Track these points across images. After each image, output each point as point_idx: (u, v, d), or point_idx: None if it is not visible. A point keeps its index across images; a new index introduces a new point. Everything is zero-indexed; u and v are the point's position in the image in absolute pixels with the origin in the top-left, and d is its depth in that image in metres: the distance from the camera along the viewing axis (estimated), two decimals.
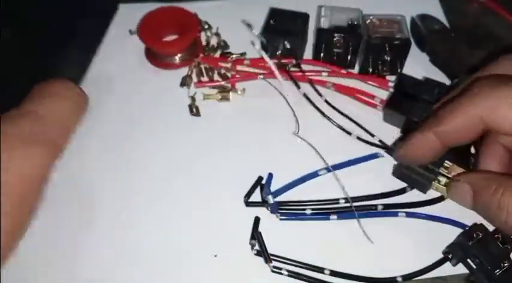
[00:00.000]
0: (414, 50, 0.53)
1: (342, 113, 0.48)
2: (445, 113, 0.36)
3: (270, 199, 0.41)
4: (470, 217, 0.39)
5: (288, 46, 0.52)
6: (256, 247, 0.40)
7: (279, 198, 0.42)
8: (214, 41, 0.57)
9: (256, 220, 0.42)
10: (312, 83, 0.50)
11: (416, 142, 0.38)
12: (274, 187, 0.43)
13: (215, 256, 0.40)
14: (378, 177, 0.44)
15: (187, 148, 0.48)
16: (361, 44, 0.51)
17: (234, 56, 0.54)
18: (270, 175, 0.44)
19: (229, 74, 0.52)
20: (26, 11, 0.57)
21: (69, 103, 0.43)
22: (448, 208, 0.41)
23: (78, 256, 0.40)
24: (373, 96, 0.49)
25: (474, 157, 0.40)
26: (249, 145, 0.47)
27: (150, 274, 0.40)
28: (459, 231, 0.40)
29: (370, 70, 0.52)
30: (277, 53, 0.52)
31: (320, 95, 0.50)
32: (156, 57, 0.54)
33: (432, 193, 0.42)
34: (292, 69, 0.51)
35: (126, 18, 0.57)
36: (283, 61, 0.51)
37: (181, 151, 0.47)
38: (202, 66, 0.54)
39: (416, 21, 0.55)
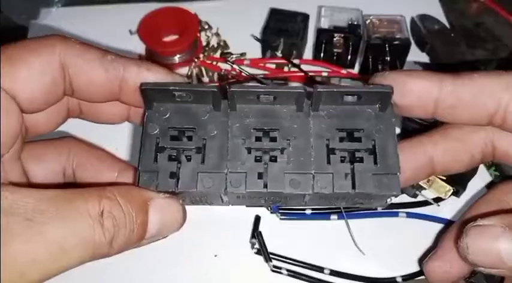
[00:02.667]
0: (414, 50, 0.53)
1: None
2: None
3: None
4: None
5: (287, 46, 0.52)
6: (257, 246, 0.40)
7: None
8: (214, 41, 0.57)
9: (257, 220, 0.42)
10: (313, 79, 0.50)
11: None
12: None
13: (215, 256, 0.40)
14: None
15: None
16: (361, 44, 0.51)
17: (234, 56, 0.54)
18: None
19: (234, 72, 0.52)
20: None
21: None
22: (448, 208, 0.41)
23: None
24: None
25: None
26: None
27: (150, 273, 0.40)
28: None
29: (370, 70, 0.52)
30: (277, 53, 0.52)
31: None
32: (156, 57, 0.54)
33: (432, 194, 0.42)
34: (292, 69, 0.51)
35: (126, 18, 0.57)
36: (282, 61, 0.51)
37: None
38: (202, 67, 0.54)
39: (416, 21, 0.55)
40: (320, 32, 0.51)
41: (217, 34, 0.57)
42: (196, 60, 0.54)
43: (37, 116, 0.27)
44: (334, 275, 0.39)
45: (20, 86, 0.24)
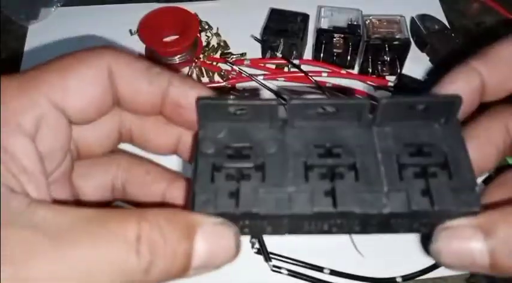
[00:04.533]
0: (414, 50, 0.53)
1: None
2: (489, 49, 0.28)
3: None
4: None
5: (287, 46, 0.52)
6: (257, 245, 0.40)
7: None
8: (214, 41, 0.57)
9: None
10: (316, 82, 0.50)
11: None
12: None
13: None
14: None
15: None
16: (361, 44, 0.51)
17: (234, 56, 0.54)
18: None
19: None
20: None
21: None
22: None
23: None
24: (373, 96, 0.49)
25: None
26: None
27: None
28: None
29: (370, 70, 0.52)
30: (277, 53, 0.52)
31: (323, 91, 0.50)
32: (156, 57, 0.54)
33: None
34: (292, 69, 0.51)
35: (126, 18, 0.57)
36: (282, 61, 0.51)
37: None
38: (202, 67, 0.54)
39: (416, 21, 0.55)
40: (320, 32, 0.51)
41: (217, 34, 0.57)
42: (196, 60, 0.54)
43: (89, 139, 0.26)
44: (334, 275, 0.39)
45: (69, 97, 0.23)
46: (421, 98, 0.24)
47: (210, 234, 0.22)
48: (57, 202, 0.23)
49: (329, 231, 0.25)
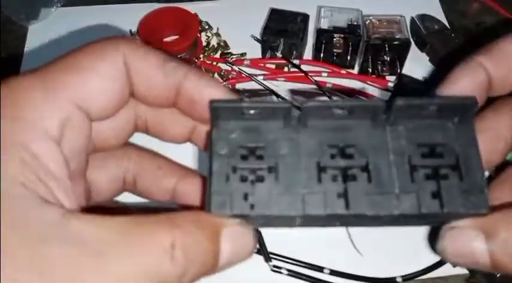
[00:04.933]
0: (414, 50, 0.53)
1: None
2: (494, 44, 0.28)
3: None
4: None
5: (287, 46, 0.52)
6: (257, 245, 0.40)
7: None
8: (214, 41, 0.57)
9: None
10: (317, 83, 0.50)
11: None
12: None
13: None
14: None
15: (187, 148, 0.47)
16: (360, 44, 0.51)
17: (234, 56, 0.54)
18: None
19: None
20: None
21: None
22: None
23: None
24: (373, 96, 0.49)
25: None
26: None
27: None
28: None
29: (370, 70, 0.52)
30: (277, 53, 0.52)
31: (323, 91, 0.50)
32: None
33: None
34: (292, 69, 0.51)
35: (126, 18, 0.57)
36: (282, 61, 0.51)
37: (182, 149, 0.47)
38: (202, 67, 0.54)
39: (416, 21, 0.55)
40: (320, 32, 0.51)
41: (217, 34, 0.57)
42: (196, 60, 0.54)
43: (106, 132, 0.26)
44: (334, 275, 0.39)
45: (91, 97, 0.23)
46: (435, 99, 0.24)
47: (233, 236, 0.23)
48: (84, 209, 0.23)
49: (339, 225, 0.26)
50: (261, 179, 0.24)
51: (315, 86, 0.50)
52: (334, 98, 0.49)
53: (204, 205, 0.23)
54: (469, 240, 0.23)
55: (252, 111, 0.24)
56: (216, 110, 0.24)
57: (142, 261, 0.20)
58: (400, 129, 0.25)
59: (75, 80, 0.22)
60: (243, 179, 0.24)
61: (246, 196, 0.23)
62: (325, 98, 0.49)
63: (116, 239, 0.20)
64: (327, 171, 0.24)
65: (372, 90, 0.51)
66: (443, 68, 0.53)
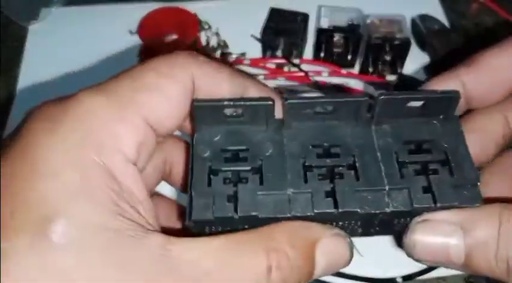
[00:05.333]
0: (414, 50, 0.53)
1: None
2: (479, 57, 0.27)
3: None
4: None
5: (287, 46, 0.52)
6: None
7: None
8: (214, 41, 0.57)
9: None
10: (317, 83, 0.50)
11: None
12: None
13: None
14: None
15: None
16: (361, 43, 0.51)
17: (234, 56, 0.54)
18: None
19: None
20: None
21: None
22: None
23: None
24: (373, 97, 0.49)
25: None
26: None
27: None
28: None
29: (370, 70, 0.52)
30: (277, 53, 0.52)
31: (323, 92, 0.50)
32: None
33: None
34: (292, 69, 0.51)
35: (126, 18, 0.57)
36: (282, 61, 0.51)
37: None
38: None
39: (417, 21, 0.55)
40: (320, 31, 0.51)
41: (217, 34, 0.57)
42: None
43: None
44: (334, 275, 0.39)
45: (158, 114, 0.22)
46: (418, 93, 0.24)
47: (329, 248, 0.22)
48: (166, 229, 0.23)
49: None
50: (244, 181, 0.23)
51: (312, 85, 0.50)
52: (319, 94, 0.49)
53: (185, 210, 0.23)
54: (444, 235, 0.22)
55: (234, 112, 0.24)
56: (199, 110, 0.23)
57: None
58: (385, 127, 0.25)
59: (146, 99, 0.22)
60: (226, 181, 0.23)
61: (229, 199, 0.22)
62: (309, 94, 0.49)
63: (214, 266, 0.20)
64: (313, 170, 0.23)
65: (372, 88, 0.51)
66: (443, 67, 0.52)
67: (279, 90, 0.49)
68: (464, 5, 0.61)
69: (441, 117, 0.25)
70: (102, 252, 0.18)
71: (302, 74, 0.51)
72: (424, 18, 0.55)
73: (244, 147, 0.24)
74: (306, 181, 0.23)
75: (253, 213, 0.22)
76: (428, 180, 0.23)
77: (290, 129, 0.24)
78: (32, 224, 0.18)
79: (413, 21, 0.55)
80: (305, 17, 0.53)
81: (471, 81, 0.27)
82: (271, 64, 0.52)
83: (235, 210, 0.22)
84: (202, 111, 0.23)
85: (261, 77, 0.51)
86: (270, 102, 0.23)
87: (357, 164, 0.23)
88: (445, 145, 0.24)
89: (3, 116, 0.50)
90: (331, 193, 0.23)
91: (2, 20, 0.58)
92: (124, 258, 0.18)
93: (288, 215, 0.22)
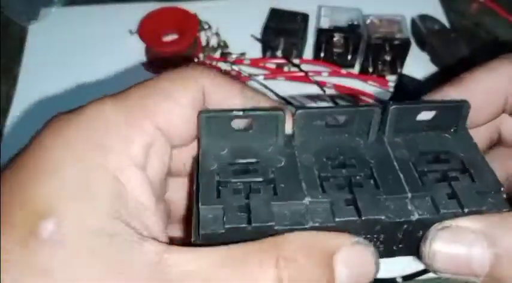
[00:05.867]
0: (414, 50, 0.53)
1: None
2: (467, 76, 0.26)
3: None
4: None
5: (287, 46, 0.52)
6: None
7: None
8: (214, 41, 0.57)
9: None
10: (318, 83, 0.50)
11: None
12: None
13: None
14: None
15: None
16: (361, 43, 0.51)
17: (234, 56, 0.54)
18: None
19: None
20: None
21: None
22: None
23: None
24: (373, 96, 0.49)
25: None
26: None
27: None
28: None
29: (370, 70, 0.52)
30: (277, 53, 0.52)
31: (324, 91, 0.50)
32: (156, 57, 0.54)
33: None
34: (292, 69, 0.51)
35: (126, 18, 0.57)
36: (282, 61, 0.51)
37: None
38: None
39: (417, 21, 0.55)
40: (320, 31, 0.51)
41: (217, 34, 0.57)
42: (196, 60, 0.54)
43: (183, 158, 0.25)
44: None
45: (172, 122, 0.22)
46: (429, 103, 0.24)
47: (350, 257, 0.20)
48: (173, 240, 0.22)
49: None
50: (257, 191, 0.21)
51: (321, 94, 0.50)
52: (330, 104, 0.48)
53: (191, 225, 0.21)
54: (468, 244, 0.20)
55: (242, 123, 0.23)
56: (206, 121, 0.22)
57: None
58: (398, 141, 0.24)
59: (157, 105, 0.22)
60: (237, 192, 0.21)
61: (241, 209, 0.20)
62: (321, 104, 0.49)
63: (217, 276, 0.18)
64: (330, 180, 0.22)
65: (372, 89, 0.51)
66: (443, 67, 0.53)
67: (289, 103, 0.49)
68: (464, 5, 0.61)
69: (452, 130, 0.24)
70: (91, 253, 0.18)
71: (302, 74, 0.50)
72: (424, 18, 0.55)
73: (254, 160, 0.23)
74: (323, 190, 0.21)
75: (269, 224, 0.20)
76: (451, 186, 0.22)
77: (301, 142, 0.23)
78: (25, 220, 0.18)
79: (413, 21, 0.55)
80: (305, 17, 0.53)
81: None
82: (271, 64, 0.52)
83: (249, 221, 0.20)
84: (209, 122, 0.22)
85: (260, 77, 0.51)
86: (281, 113, 0.22)
87: (375, 174, 0.22)
88: (461, 155, 0.23)
89: (3, 115, 0.50)
90: (352, 202, 0.21)
91: (2, 20, 0.58)
92: (113, 261, 0.18)
93: (307, 226, 0.20)
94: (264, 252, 0.19)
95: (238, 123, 0.23)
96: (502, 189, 0.22)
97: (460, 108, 0.24)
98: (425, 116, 0.24)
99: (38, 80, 0.53)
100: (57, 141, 0.20)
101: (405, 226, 0.21)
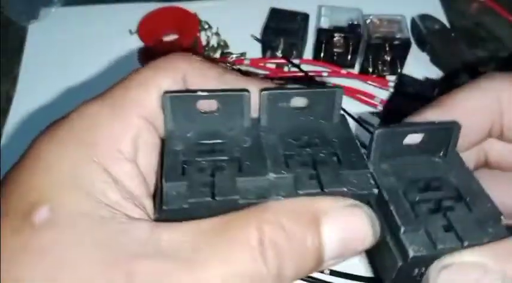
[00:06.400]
0: (414, 50, 0.53)
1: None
2: (449, 99, 0.25)
3: None
4: None
5: (287, 46, 0.52)
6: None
7: None
8: (214, 41, 0.57)
9: None
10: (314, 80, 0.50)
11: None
12: None
13: None
14: None
15: None
16: (361, 43, 0.51)
17: (234, 55, 0.54)
18: None
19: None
20: None
21: None
22: None
23: None
24: (373, 96, 0.49)
25: None
26: None
27: None
28: None
29: (370, 70, 0.52)
30: (277, 53, 0.52)
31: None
32: (156, 57, 0.54)
33: None
34: (292, 69, 0.51)
35: (126, 18, 0.57)
36: (282, 61, 0.51)
37: None
38: None
39: (417, 21, 0.55)
40: (320, 31, 0.51)
41: (217, 34, 0.57)
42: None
43: None
44: (334, 275, 0.39)
45: (155, 109, 0.22)
46: (416, 125, 0.23)
47: (339, 220, 0.19)
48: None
49: None
50: (221, 168, 0.21)
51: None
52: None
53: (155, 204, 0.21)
54: (475, 281, 0.19)
55: (207, 105, 0.22)
56: (171, 102, 0.22)
57: (235, 263, 0.18)
58: (385, 167, 0.23)
59: (140, 95, 0.22)
60: (201, 170, 0.21)
61: (205, 185, 0.20)
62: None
63: (205, 245, 0.18)
64: (294, 158, 0.22)
65: (372, 89, 0.51)
66: (443, 68, 0.52)
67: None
68: (464, 5, 0.61)
69: (441, 154, 0.23)
70: (83, 233, 0.18)
71: (302, 74, 0.50)
72: (424, 18, 0.55)
73: (220, 141, 0.23)
74: (287, 166, 0.21)
75: (233, 197, 0.20)
76: (447, 216, 0.20)
77: (267, 123, 0.23)
78: (20, 210, 0.19)
79: (413, 21, 0.55)
80: (305, 17, 0.53)
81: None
82: (271, 64, 0.52)
83: (213, 196, 0.20)
84: (173, 103, 0.22)
85: (260, 77, 0.51)
86: (246, 93, 0.22)
87: (338, 151, 0.22)
88: (454, 181, 0.22)
89: (3, 115, 0.50)
90: (315, 176, 0.21)
91: (2, 20, 0.58)
92: (106, 239, 0.18)
93: (270, 198, 0.20)
94: (247, 218, 0.19)
95: (205, 106, 0.23)
96: (502, 217, 0.21)
97: (449, 130, 0.23)
98: (412, 139, 0.23)
99: (38, 80, 0.53)
100: (51, 143, 0.21)
101: (399, 266, 0.20)
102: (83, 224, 0.19)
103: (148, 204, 0.21)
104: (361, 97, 0.50)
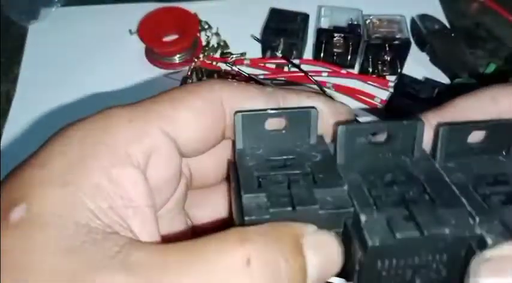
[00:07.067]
0: (414, 50, 0.53)
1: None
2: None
3: None
4: None
5: (287, 46, 0.52)
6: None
7: None
8: (214, 41, 0.57)
9: None
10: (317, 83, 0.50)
11: None
12: None
13: None
14: None
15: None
16: (361, 43, 0.51)
17: (234, 56, 0.54)
18: None
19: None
20: None
21: None
22: None
23: None
24: (373, 96, 0.49)
25: None
26: None
27: None
28: None
29: (370, 70, 0.52)
30: (277, 53, 0.52)
31: (324, 91, 0.50)
32: (156, 57, 0.54)
33: None
34: (292, 69, 0.51)
35: (126, 18, 0.57)
36: (282, 61, 0.51)
37: None
38: (202, 67, 0.54)
39: (416, 21, 0.55)
40: (320, 32, 0.51)
41: (217, 34, 0.57)
42: (196, 60, 0.54)
43: (204, 168, 0.25)
44: (333, 275, 0.39)
45: (180, 128, 0.22)
46: (480, 122, 0.23)
47: (318, 245, 0.20)
48: (164, 238, 0.22)
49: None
50: (296, 181, 0.21)
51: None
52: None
53: (233, 218, 0.21)
54: None
55: (275, 123, 0.23)
56: (242, 121, 0.22)
57: (212, 280, 0.17)
58: (451, 165, 0.23)
59: (164, 109, 0.22)
60: (278, 182, 0.21)
61: (284, 196, 0.20)
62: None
63: (174, 263, 0.18)
64: (382, 198, 0.21)
65: (372, 89, 0.51)
66: (443, 68, 0.53)
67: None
68: (464, 5, 0.61)
69: (504, 151, 0.24)
70: (51, 238, 0.18)
71: (302, 74, 0.50)
72: (424, 18, 0.55)
73: (290, 157, 0.23)
74: (377, 208, 0.20)
75: (313, 207, 0.20)
76: None
77: (344, 161, 0.23)
78: (2, 206, 0.18)
79: (413, 21, 0.55)
80: (305, 17, 0.53)
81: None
82: (271, 64, 0.52)
83: (293, 206, 0.19)
84: (244, 121, 0.22)
85: (260, 77, 0.51)
86: (313, 110, 0.22)
87: (428, 189, 0.21)
88: None
89: (3, 115, 0.50)
90: (410, 218, 0.20)
91: (2, 20, 0.58)
92: (74, 247, 0.18)
93: (351, 210, 0.20)
94: (227, 238, 0.18)
95: (272, 125, 0.23)
96: None
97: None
98: (475, 137, 0.23)
99: (38, 80, 0.53)
100: (56, 141, 0.20)
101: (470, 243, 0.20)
102: (54, 228, 0.18)
103: (149, 213, 0.21)
104: (361, 97, 0.50)
